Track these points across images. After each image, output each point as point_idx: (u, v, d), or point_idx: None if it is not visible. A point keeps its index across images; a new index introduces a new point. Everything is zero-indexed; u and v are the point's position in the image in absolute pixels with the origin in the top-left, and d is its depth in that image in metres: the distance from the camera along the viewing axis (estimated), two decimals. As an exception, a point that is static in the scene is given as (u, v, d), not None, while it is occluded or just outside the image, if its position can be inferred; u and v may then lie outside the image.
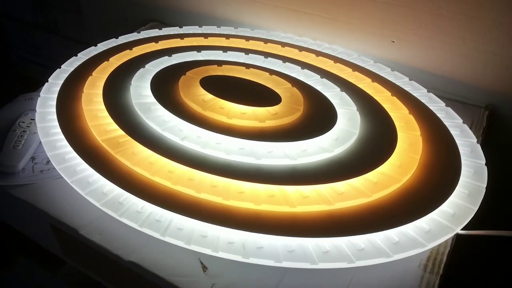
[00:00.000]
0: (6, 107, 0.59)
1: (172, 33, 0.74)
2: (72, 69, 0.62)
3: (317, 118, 0.54)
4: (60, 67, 0.62)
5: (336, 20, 0.69)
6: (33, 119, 0.54)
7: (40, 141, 0.50)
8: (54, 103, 0.55)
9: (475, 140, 0.52)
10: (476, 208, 0.43)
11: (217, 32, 0.74)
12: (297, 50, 0.69)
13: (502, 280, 0.72)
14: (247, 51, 0.67)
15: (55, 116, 0.53)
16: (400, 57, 0.66)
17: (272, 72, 0.61)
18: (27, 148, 0.51)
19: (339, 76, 0.63)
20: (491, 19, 0.57)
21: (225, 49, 0.68)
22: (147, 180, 0.45)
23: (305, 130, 0.51)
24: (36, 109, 0.54)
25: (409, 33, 0.64)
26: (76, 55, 0.65)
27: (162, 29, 0.75)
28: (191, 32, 0.74)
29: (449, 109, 0.57)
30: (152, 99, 0.55)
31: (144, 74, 0.60)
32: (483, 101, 0.63)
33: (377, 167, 0.47)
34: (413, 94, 0.60)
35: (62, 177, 0.46)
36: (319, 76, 0.62)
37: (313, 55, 0.68)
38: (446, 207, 0.43)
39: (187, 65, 0.62)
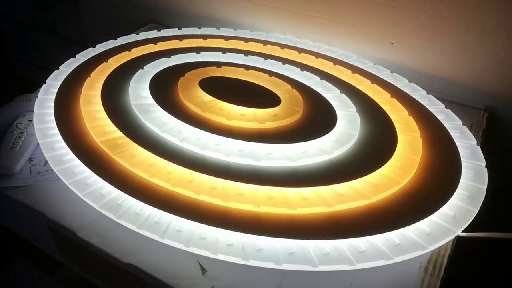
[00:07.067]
0: (4, 108, 0.58)
1: (171, 34, 0.73)
2: (70, 70, 0.62)
3: (316, 119, 0.54)
4: (58, 68, 0.62)
5: (335, 21, 0.69)
6: (31, 120, 0.54)
7: (38, 143, 0.50)
8: (52, 104, 0.55)
9: (475, 142, 0.52)
10: (476, 210, 0.43)
11: (216, 34, 0.74)
12: (297, 52, 0.69)
13: (502, 282, 0.72)
14: (246, 53, 0.67)
15: (53, 118, 0.52)
16: (400, 59, 0.66)
17: (271, 73, 0.61)
18: (24, 149, 0.51)
19: (339, 78, 0.63)
20: (490, 21, 0.57)
21: (224, 50, 0.67)
22: (146, 182, 0.45)
23: (305, 132, 0.51)
24: (34, 110, 0.54)
25: (409, 35, 0.63)
26: (75, 56, 0.65)
27: (161, 30, 0.74)
28: (190, 33, 0.74)
29: (449, 111, 0.57)
30: (151, 100, 0.55)
31: (143, 75, 0.59)
32: (483, 103, 0.63)
33: (377, 169, 0.47)
34: (413, 96, 0.60)
35: (60, 178, 0.46)
36: (318, 78, 0.61)
37: (313, 57, 0.68)
38: (446, 209, 0.43)
39: (186, 66, 0.62)
